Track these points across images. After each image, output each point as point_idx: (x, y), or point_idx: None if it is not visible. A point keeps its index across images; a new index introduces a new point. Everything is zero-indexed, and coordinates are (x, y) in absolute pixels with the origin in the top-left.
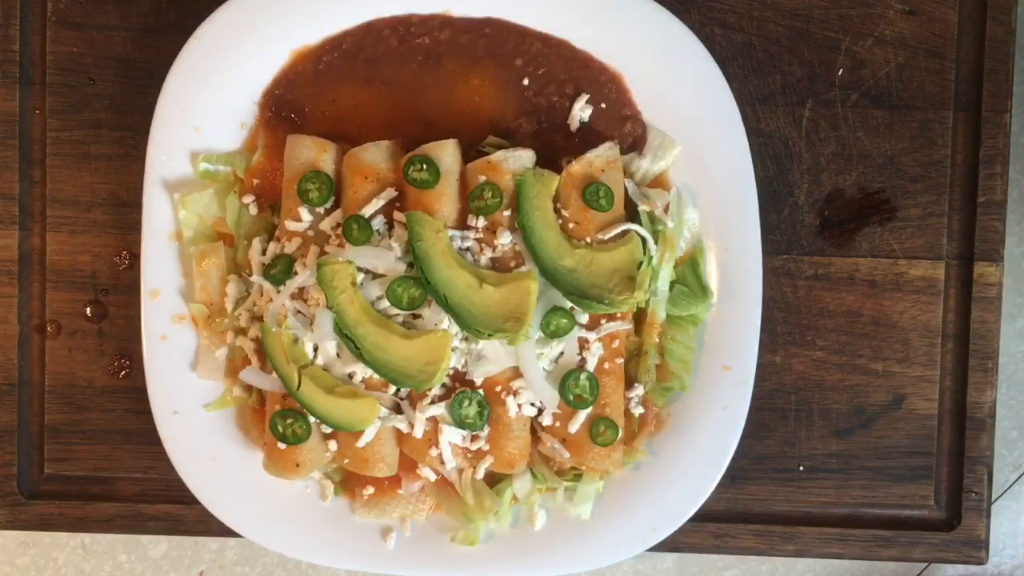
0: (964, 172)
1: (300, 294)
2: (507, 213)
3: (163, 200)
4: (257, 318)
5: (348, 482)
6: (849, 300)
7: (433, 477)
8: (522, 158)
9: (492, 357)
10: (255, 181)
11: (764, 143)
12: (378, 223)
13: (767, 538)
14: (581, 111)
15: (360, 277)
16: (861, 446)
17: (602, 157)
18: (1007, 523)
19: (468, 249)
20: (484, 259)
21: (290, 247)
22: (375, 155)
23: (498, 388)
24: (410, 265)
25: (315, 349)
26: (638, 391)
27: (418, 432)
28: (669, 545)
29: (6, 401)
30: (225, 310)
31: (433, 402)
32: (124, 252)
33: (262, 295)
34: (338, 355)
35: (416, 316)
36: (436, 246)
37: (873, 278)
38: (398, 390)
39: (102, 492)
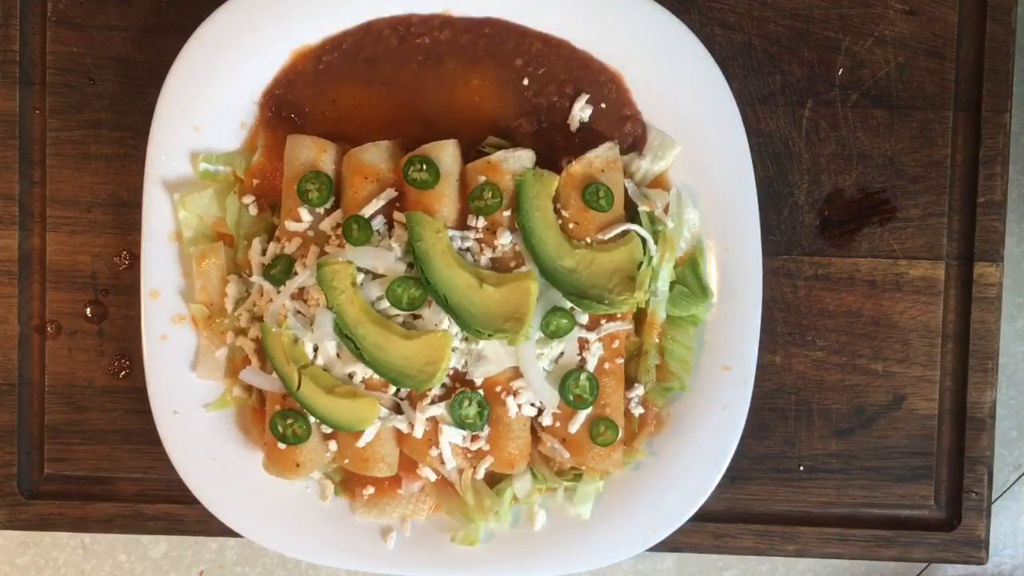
0: (964, 172)
1: (300, 294)
2: (507, 213)
3: (163, 200)
4: (257, 318)
5: (348, 482)
6: (849, 300)
7: (433, 477)
8: (522, 158)
9: (492, 357)
10: (255, 181)
11: (764, 143)
12: (378, 223)
13: (767, 538)
14: (581, 111)
15: (360, 277)
16: (861, 446)
17: (602, 157)
18: (1007, 523)
19: (468, 249)
20: (484, 259)
21: (290, 247)
22: (375, 155)
23: (498, 388)
24: (410, 265)
25: (315, 349)
26: (638, 391)
27: (418, 432)
28: (669, 545)
29: (6, 401)
30: (225, 310)
31: (433, 402)
32: (124, 252)
33: (262, 295)
34: (338, 355)
35: (416, 316)
36: (436, 246)
37: (873, 278)
38: (398, 390)
39: (102, 492)
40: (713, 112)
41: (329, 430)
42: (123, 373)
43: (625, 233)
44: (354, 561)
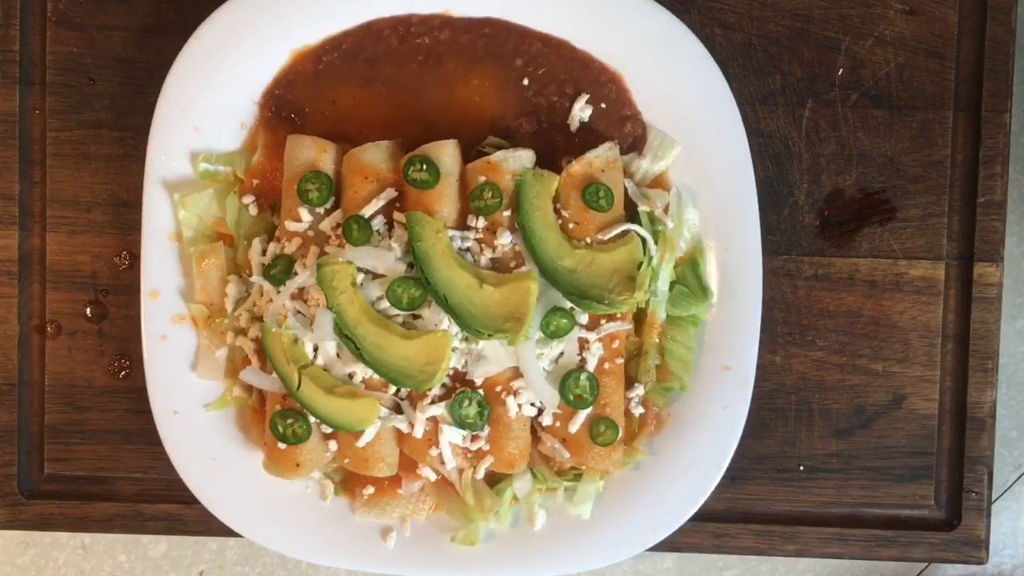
0: (964, 172)
1: (300, 294)
2: (507, 213)
3: (163, 200)
4: (257, 318)
5: (348, 482)
6: (849, 300)
7: (433, 477)
8: (522, 158)
9: (492, 357)
10: (255, 181)
11: (764, 143)
12: (378, 223)
13: (767, 538)
14: (581, 111)
15: (360, 277)
16: (861, 446)
17: (602, 157)
18: (1007, 523)
19: (468, 249)
20: (484, 259)
21: (290, 247)
22: (375, 155)
23: (498, 388)
24: (410, 265)
25: (315, 349)
26: (638, 391)
27: (418, 432)
28: (669, 545)
29: (6, 401)
30: (225, 310)
31: (433, 402)
32: (124, 252)
33: (262, 295)
34: (338, 355)
35: (416, 316)
36: (436, 246)
37: (873, 278)
38: (398, 390)
39: (102, 492)
40: (713, 112)
41: (329, 430)
42: (123, 373)
43: (625, 233)
44: (354, 561)
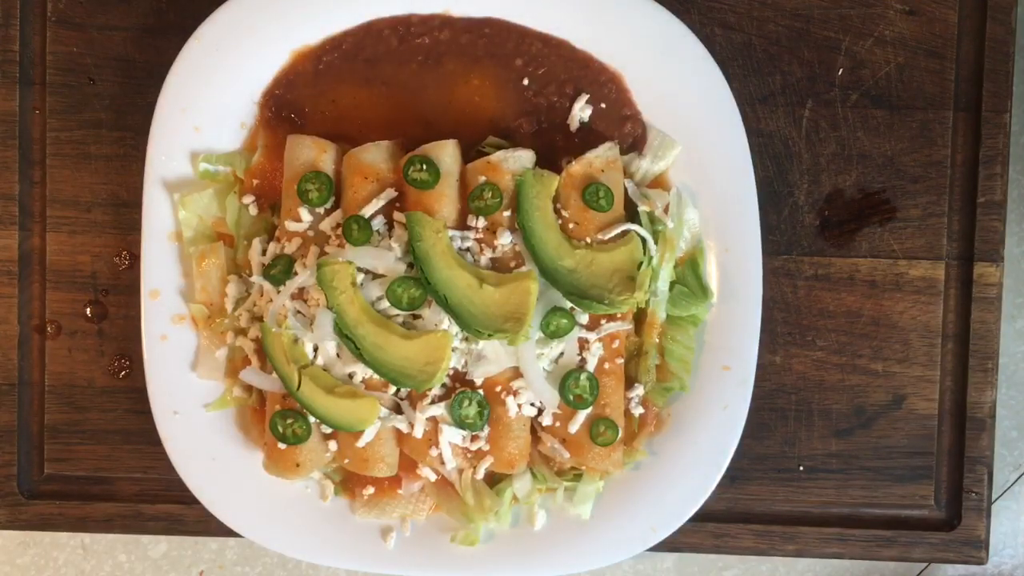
0: (964, 172)
1: (300, 294)
2: (507, 213)
3: (163, 200)
4: (257, 318)
5: (348, 482)
6: (849, 300)
7: (433, 477)
8: (522, 158)
9: (492, 357)
10: (255, 181)
11: (764, 143)
12: (378, 223)
13: (767, 538)
14: (581, 111)
15: (360, 277)
16: (861, 446)
17: (602, 157)
18: (1007, 523)
19: (468, 249)
20: (484, 259)
21: (290, 247)
22: (375, 155)
23: (498, 388)
24: (410, 265)
25: (315, 349)
26: (638, 391)
27: (418, 432)
28: (669, 545)
29: (6, 401)
30: (225, 310)
31: (433, 402)
32: (124, 252)
33: (262, 295)
34: (338, 355)
35: (416, 316)
36: (436, 246)
37: (873, 278)
38: (398, 390)
39: (102, 492)
40: (713, 112)
41: (329, 430)
42: (123, 373)
43: (625, 233)
44: (354, 561)
